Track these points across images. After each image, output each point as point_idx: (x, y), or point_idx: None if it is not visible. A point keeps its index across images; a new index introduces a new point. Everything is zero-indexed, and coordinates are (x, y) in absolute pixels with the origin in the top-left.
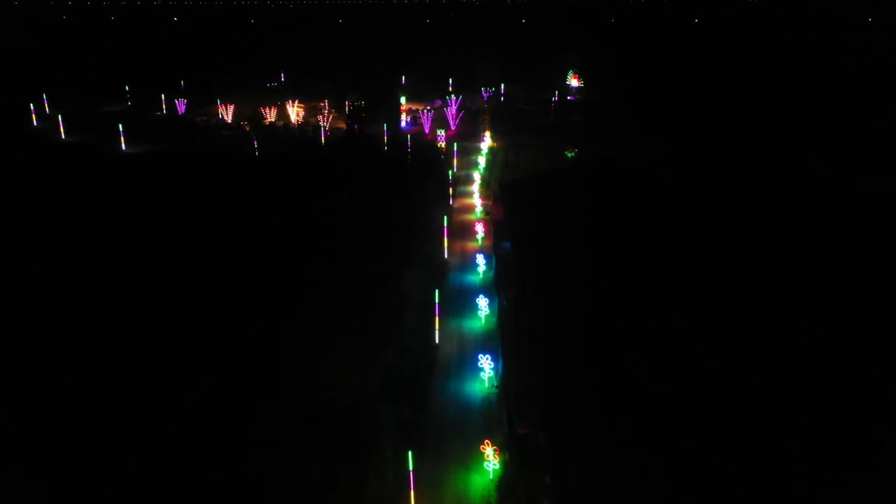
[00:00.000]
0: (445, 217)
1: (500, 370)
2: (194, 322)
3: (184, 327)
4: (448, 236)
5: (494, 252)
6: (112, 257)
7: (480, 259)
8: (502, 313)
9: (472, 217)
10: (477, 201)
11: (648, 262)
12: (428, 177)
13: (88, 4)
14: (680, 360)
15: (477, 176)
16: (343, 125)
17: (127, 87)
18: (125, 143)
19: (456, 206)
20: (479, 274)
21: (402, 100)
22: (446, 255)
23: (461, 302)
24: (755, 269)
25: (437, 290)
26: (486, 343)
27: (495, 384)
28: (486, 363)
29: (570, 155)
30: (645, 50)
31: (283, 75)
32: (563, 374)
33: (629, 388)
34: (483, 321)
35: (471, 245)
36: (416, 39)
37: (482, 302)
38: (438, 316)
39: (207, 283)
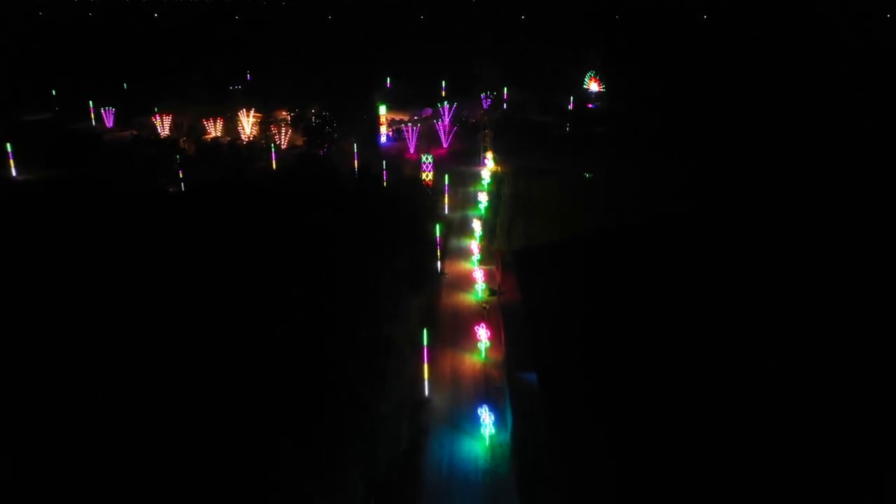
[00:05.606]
0: (426, 330)
1: None
2: None
3: None
4: (433, 340)
5: (509, 391)
6: None
7: (486, 415)
8: None
9: (469, 298)
10: (478, 273)
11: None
12: (406, 238)
13: (74, 2)
14: None
15: (477, 225)
16: (302, 143)
17: (54, 92)
18: (15, 166)
19: (448, 277)
20: (483, 438)
21: (382, 109)
22: (427, 391)
23: None
24: None
25: None
26: None
27: None
28: None
29: (588, 176)
30: (668, 49)
31: (248, 75)
32: None
33: None
34: None
35: (469, 360)
36: (405, 37)
37: None
38: None
39: None
